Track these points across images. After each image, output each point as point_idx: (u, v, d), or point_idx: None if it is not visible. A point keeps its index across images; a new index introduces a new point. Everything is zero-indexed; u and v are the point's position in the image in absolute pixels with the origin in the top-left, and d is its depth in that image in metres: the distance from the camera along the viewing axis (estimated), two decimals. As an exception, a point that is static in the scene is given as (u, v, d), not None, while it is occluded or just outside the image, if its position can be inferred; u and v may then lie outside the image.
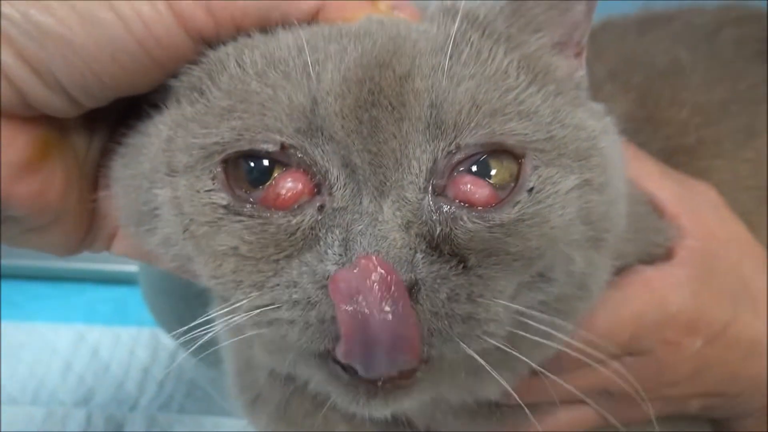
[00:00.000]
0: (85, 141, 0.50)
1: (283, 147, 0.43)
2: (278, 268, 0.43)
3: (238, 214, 0.43)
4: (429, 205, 0.43)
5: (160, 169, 0.46)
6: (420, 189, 0.43)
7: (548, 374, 0.51)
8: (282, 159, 0.43)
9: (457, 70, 0.44)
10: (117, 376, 1.35)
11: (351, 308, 0.38)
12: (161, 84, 0.47)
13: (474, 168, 0.44)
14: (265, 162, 0.43)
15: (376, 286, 0.38)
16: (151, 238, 0.48)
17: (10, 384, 1.33)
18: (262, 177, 0.43)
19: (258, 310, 0.43)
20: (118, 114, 0.50)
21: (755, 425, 0.68)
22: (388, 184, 0.42)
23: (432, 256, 0.42)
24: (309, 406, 0.61)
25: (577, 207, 0.46)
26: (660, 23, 0.81)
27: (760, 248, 0.69)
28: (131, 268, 1.23)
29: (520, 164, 0.45)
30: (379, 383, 0.43)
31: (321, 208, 0.43)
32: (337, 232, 0.42)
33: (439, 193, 0.43)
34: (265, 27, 0.45)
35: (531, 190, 0.44)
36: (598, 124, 0.50)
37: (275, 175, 0.43)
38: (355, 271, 0.39)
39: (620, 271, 0.59)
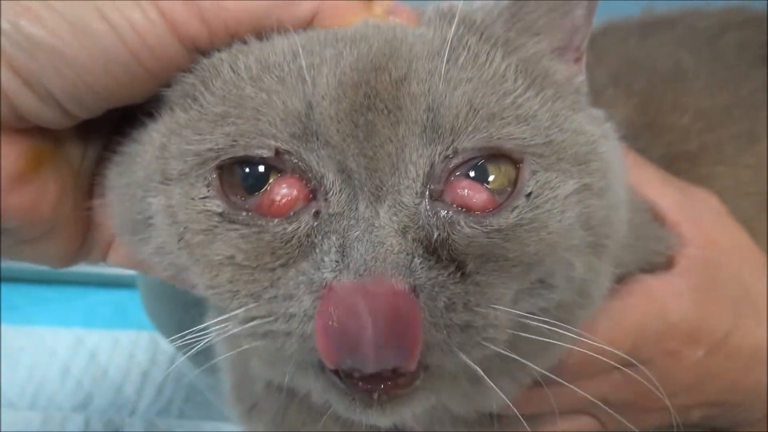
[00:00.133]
0: (80, 151, 0.49)
1: (278, 152, 0.42)
2: (274, 278, 0.42)
3: (234, 222, 0.43)
4: (426, 209, 0.42)
5: (153, 178, 0.45)
6: (417, 194, 0.42)
7: (553, 376, 0.50)
8: (277, 165, 0.43)
9: (454, 73, 0.43)
10: (116, 380, 1.35)
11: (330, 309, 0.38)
12: (155, 93, 0.46)
13: (472, 173, 0.43)
14: (261, 168, 0.43)
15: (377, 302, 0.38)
16: (145, 247, 0.47)
17: (9, 388, 1.32)
18: (257, 183, 0.43)
19: (254, 322, 0.42)
20: (113, 123, 0.49)
21: (757, 434, 0.67)
22: (384, 188, 0.42)
23: (430, 261, 0.41)
24: (306, 416, 0.60)
25: (577, 212, 0.45)
26: (662, 27, 0.81)
27: (761, 255, 0.68)
28: (131, 271, 1.22)
29: (518, 169, 0.44)
30: (375, 395, 0.43)
31: (317, 214, 0.42)
32: (334, 238, 0.41)
33: (437, 197, 0.43)
34: (260, 34, 0.45)
35: (529, 195, 0.44)
36: (597, 129, 0.50)
37: (271, 181, 0.43)
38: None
39: (620, 280, 0.59)
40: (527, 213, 0.43)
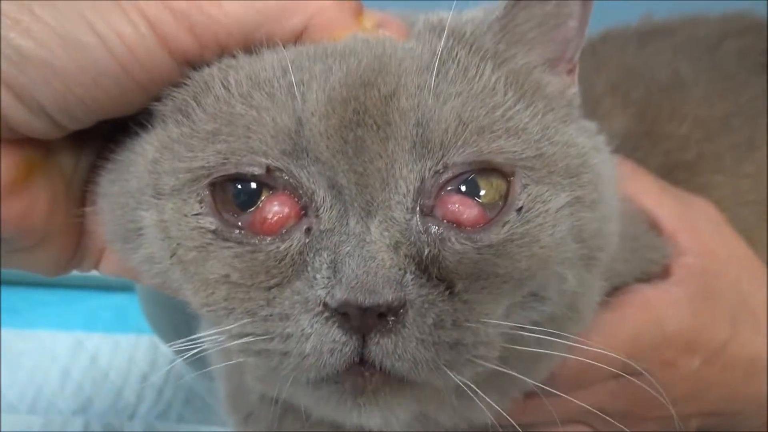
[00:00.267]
0: (72, 160, 0.49)
1: (269, 170, 0.42)
2: (270, 297, 0.42)
3: (227, 239, 0.43)
4: (417, 225, 0.42)
5: (145, 191, 0.45)
6: (408, 209, 0.42)
7: (547, 388, 0.50)
8: (268, 182, 0.43)
9: (443, 88, 0.43)
10: (116, 384, 1.35)
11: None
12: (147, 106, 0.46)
13: (462, 187, 0.43)
14: (252, 185, 0.43)
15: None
16: (134, 255, 0.47)
17: (10, 391, 1.32)
18: (249, 200, 0.43)
19: (248, 338, 0.42)
20: (106, 131, 0.49)
21: (756, 443, 0.67)
22: (375, 204, 0.42)
23: (421, 278, 0.41)
24: (301, 425, 0.60)
25: (569, 225, 0.45)
26: (661, 35, 0.81)
27: (759, 264, 0.68)
28: (131, 275, 1.22)
29: (509, 183, 0.44)
30: (368, 381, 0.43)
31: (308, 230, 0.42)
32: (325, 254, 0.41)
33: (427, 213, 0.43)
34: (250, 48, 0.45)
35: (520, 209, 0.44)
36: (588, 141, 0.50)
37: (263, 197, 0.43)
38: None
39: (616, 290, 0.59)
40: (518, 228, 0.43)
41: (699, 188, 0.69)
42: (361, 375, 0.43)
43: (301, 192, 0.42)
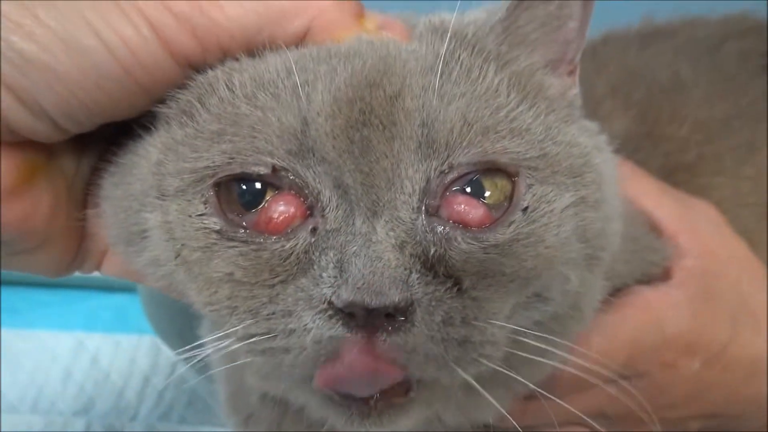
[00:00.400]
0: (74, 162, 0.49)
1: (274, 169, 0.42)
2: (273, 294, 0.42)
3: (232, 239, 0.43)
4: (423, 225, 0.42)
5: (149, 193, 0.45)
6: (413, 209, 0.42)
7: (546, 394, 0.50)
8: (274, 181, 0.43)
9: (447, 89, 0.44)
10: (117, 384, 1.35)
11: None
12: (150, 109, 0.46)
13: (467, 188, 0.43)
14: (257, 185, 0.43)
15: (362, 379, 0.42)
16: (139, 258, 0.47)
17: (10, 392, 1.32)
18: (254, 200, 0.43)
19: (253, 339, 0.42)
20: (109, 134, 0.49)
21: (757, 444, 0.67)
22: (380, 204, 0.42)
23: (427, 276, 0.41)
24: (302, 427, 0.60)
25: (573, 225, 0.45)
26: (662, 37, 0.81)
27: (760, 265, 0.68)
28: (130, 276, 1.22)
29: (513, 183, 0.44)
30: (372, 402, 0.43)
31: (314, 230, 0.42)
32: (331, 254, 0.41)
33: (433, 213, 0.43)
34: (253, 51, 0.45)
35: (526, 209, 0.44)
36: (590, 141, 0.50)
37: (268, 197, 0.43)
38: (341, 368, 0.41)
39: (617, 292, 0.59)
40: (524, 228, 0.44)
41: (699, 190, 0.69)
42: (366, 403, 0.43)
43: (306, 192, 0.43)
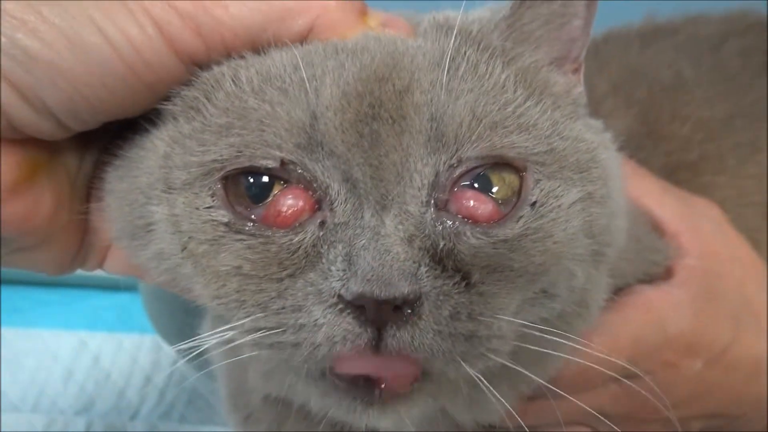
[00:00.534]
0: (77, 159, 0.49)
1: (283, 163, 0.43)
2: (282, 288, 0.42)
3: (240, 232, 0.43)
4: (431, 218, 0.42)
5: (156, 186, 0.45)
6: (422, 203, 0.42)
7: (553, 388, 0.50)
8: (282, 175, 0.43)
9: (455, 84, 0.44)
10: (118, 383, 1.35)
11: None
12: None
13: (476, 183, 0.44)
14: (265, 178, 0.43)
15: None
16: (143, 252, 0.47)
17: (12, 391, 1.32)
18: (262, 193, 0.43)
19: (260, 333, 0.43)
20: (112, 130, 0.49)
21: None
22: (389, 197, 0.42)
23: (436, 270, 0.42)
24: (303, 426, 0.60)
25: (581, 220, 0.46)
26: (664, 35, 0.81)
27: (762, 265, 0.68)
28: (133, 275, 1.22)
29: (521, 178, 0.44)
30: (376, 392, 0.43)
31: (322, 224, 0.42)
32: (340, 247, 0.41)
33: (441, 207, 0.43)
34: (257, 49, 0.45)
35: (534, 204, 0.44)
36: (596, 138, 0.50)
37: (275, 190, 0.43)
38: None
39: (619, 291, 0.59)
40: (533, 222, 0.44)
41: (701, 189, 0.69)
42: (371, 390, 0.43)
43: (315, 185, 0.43)
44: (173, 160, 0.45)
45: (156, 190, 0.45)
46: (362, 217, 0.42)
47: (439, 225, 0.42)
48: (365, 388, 0.44)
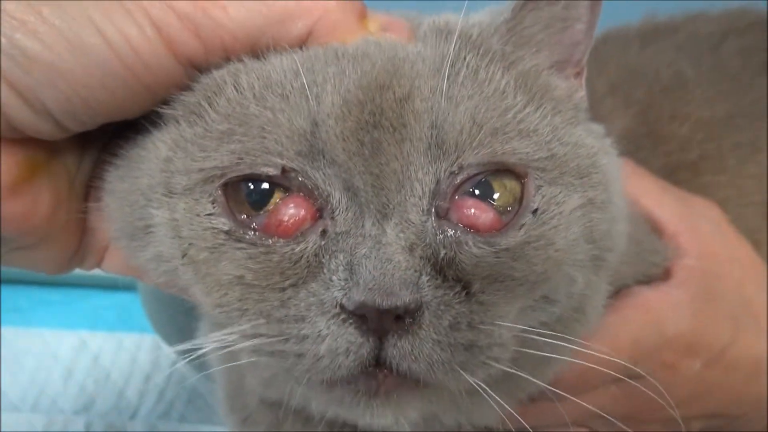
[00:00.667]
0: (76, 159, 0.49)
1: (284, 170, 0.42)
2: (284, 297, 0.42)
3: (240, 240, 0.43)
4: (433, 227, 0.42)
5: (157, 189, 0.45)
6: (423, 211, 0.42)
7: (555, 390, 0.50)
8: (283, 183, 0.43)
9: (455, 91, 0.44)
10: (118, 383, 1.35)
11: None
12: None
13: (476, 190, 0.44)
14: (265, 185, 0.43)
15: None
16: (142, 253, 0.47)
17: (12, 391, 1.33)
18: (262, 200, 0.43)
19: (260, 339, 0.43)
20: (111, 130, 0.49)
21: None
22: (390, 206, 0.42)
23: (437, 279, 0.42)
24: (301, 428, 0.60)
25: (581, 226, 0.46)
26: (663, 34, 0.80)
27: (761, 266, 0.68)
28: (134, 274, 1.22)
29: (523, 184, 0.44)
30: (381, 387, 0.43)
31: (324, 232, 0.42)
32: (341, 257, 0.41)
33: (443, 216, 0.43)
34: (256, 52, 0.45)
35: (536, 211, 0.44)
36: (597, 142, 0.50)
37: (276, 198, 0.43)
38: None
39: (617, 292, 0.59)
40: (535, 230, 0.44)
41: (701, 189, 0.69)
42: (375, 377, 0.43)
43: (316, 193, 0.43)
44: (175, 164, 0.45)
45: (157, 193, 0.45)
46: (363, 225, 0.42)
47: (440, 234, 0.42)
48: (366, 380, 0.43)
